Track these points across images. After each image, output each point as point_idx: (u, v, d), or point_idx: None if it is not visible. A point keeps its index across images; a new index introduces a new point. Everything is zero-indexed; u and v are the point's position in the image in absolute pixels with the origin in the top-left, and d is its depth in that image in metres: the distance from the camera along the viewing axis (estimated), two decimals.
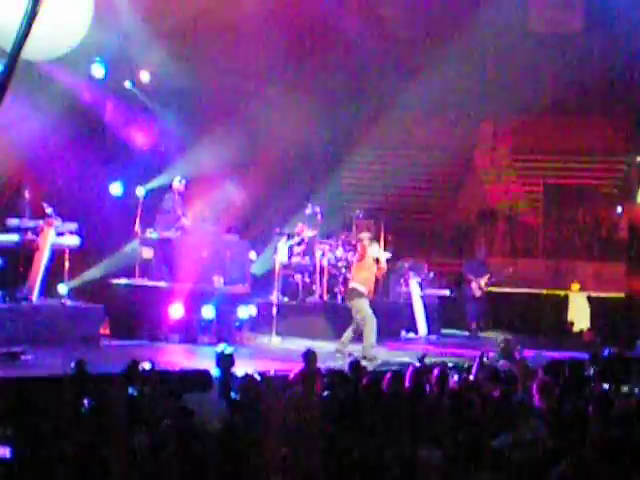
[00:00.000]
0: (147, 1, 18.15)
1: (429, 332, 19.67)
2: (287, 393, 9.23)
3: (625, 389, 10.58)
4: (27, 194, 15.47)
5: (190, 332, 16.08)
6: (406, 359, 14.46)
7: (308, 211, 18.99)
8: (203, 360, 12.36)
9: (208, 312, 16.11)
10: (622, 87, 22.52)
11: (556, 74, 22.52)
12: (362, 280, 15.43)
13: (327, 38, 22.11)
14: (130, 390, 9.19)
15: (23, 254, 15.00)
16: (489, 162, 24.75)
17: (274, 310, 17.10)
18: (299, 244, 18.69)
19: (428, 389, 9.85)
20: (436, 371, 10.78)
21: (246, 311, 17.15)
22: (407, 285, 19.88)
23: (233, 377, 10.34)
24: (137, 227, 17.42)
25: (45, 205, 15.05)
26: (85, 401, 8.55)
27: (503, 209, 24.12)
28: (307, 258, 18.75)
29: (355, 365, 11.47)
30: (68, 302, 15.49)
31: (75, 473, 6.40)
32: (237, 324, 16.90)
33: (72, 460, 6.45)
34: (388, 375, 10.63)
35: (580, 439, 8.12)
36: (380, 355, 15.15)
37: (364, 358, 14.15)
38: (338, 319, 17.85)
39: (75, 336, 14.77)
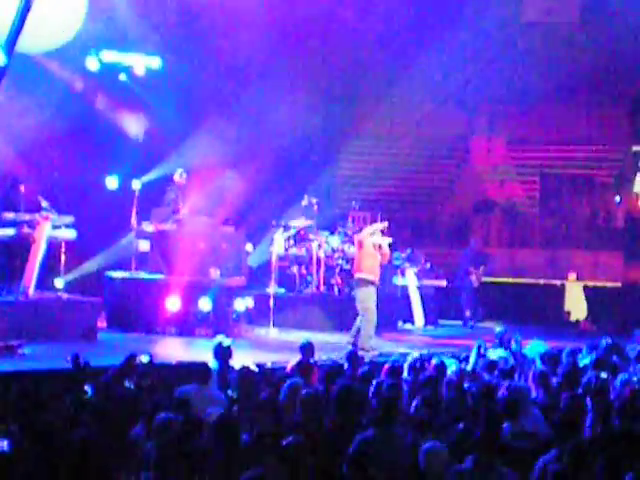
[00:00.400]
0: None
1: (426, 322, 19.71)
2: (287, 384, 9.24)
3: (623, 378, 10.57)
4: (23, 188, 15.43)
5: (187, 324, 16.06)
6: (403, 350, 14.47)
7: (304, 203, 18.97)
8: (200, 352, 12.35)
9: (205, 304, 16.09)
10: (618, 77, 22.54)
11: (552, 64, 22.51)
12: (367, 268, 15.19)
13: (323, 30, 22.10)
14: (128, 383, 9.20)
15: (19, 248, 14.95)
16: (485, 153, 24.77)
17: (271, 302, 17.10)
18: (295, 236, 18.68)
19: (426, 380, 9.84)
20: (434, 362, 10.81)
21: (243, 303, 17.14)
22: (404, 276, 19.90)
23: (231, 369, 10.36)
24: (133, 220, 17.40)
25: (41, 199, 15.02)
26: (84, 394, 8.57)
27: (499, 199, 24.14)
28: (303, 249, 18.74)
29: (352, 356, 11.48)
30: (65, 295, 15.47)
31: (74, 466, 6.40)
32: (234, 316, 16.89)
33: (72, 452, 6.44)
34: (386, 366, 10.68)
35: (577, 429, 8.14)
36: (378, 346, 15.12)
37: (362, 349, 14.13)
38: (335, 310, 17.89)
39: (72, 329, 14.75)
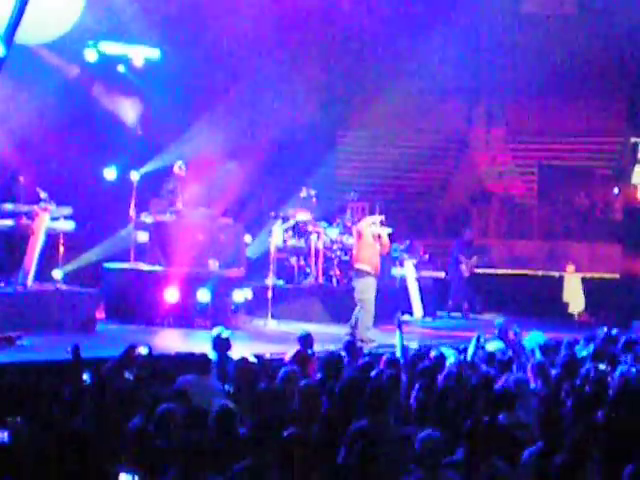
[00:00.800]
0: None
1: (424, 314, 19.71)
2: (283, 372, 9.25)
3: (622, 369, 10.59)
4: (22, 179, 15.42)
5: (186, 316, 16.06)
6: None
7: (303, 194, 18.98)
8: (199, 344, 12.36)
9: (203, 296, 16.09)
10: (616, 68, 22.53)
11: (550, 56, 22.48)
12: (365, 259, 15.22)
13: (322, 22, 22.08)
14: (127, 374, 9.21)
15: (18, 239, 14.95)
16: (484, 144, 24.77)
17: (269, 293, 17.10)
18: (294, 227, 18.68)
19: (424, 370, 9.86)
20: (433, 353, 10.83)
21: (242, 294, 17.12)
22: (402, 267, 19.90)
23: (230, 360, 10.37)
24: (132, 211, 17.39)
25: (40, 190, 15.01)
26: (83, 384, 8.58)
27: (498, 191, 24.14)
28: (302, 241, 18.73)
29: (350, 346, 11.49)
30: (63, 287, 15.47)
31: (73, 457, 6.41)
32: (233, 308, 16.88)
33: (71, 444, 6.45)
34: (384, 357, 10.69)
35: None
36: (376, 337, 15.12)
37: (360, 341, 14.13)
38: (333, 302, 17.90)
39: (70, 321, 14.76)
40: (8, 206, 14.83)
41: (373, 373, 9.59)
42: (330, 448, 7.56)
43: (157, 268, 16.66)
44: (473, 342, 11.61)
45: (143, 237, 17.38)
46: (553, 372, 10.45)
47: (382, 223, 15.69)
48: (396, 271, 19.81)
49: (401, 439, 7.84)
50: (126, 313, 16.11)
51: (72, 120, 17.64)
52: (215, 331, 10.94)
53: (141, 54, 18.68)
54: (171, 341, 14.43)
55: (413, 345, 11.58)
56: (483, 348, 11.64)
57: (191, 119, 19.60)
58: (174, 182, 17.66)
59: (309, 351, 11.12)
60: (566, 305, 21.42)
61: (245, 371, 9.77)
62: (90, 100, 18.58)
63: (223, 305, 16.47)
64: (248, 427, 7.63)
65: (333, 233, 18.87)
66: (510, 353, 11.49)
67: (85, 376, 9.17)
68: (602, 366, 10.83)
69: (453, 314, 20.19)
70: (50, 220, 15.08)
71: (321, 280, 18.71)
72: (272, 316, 16.94)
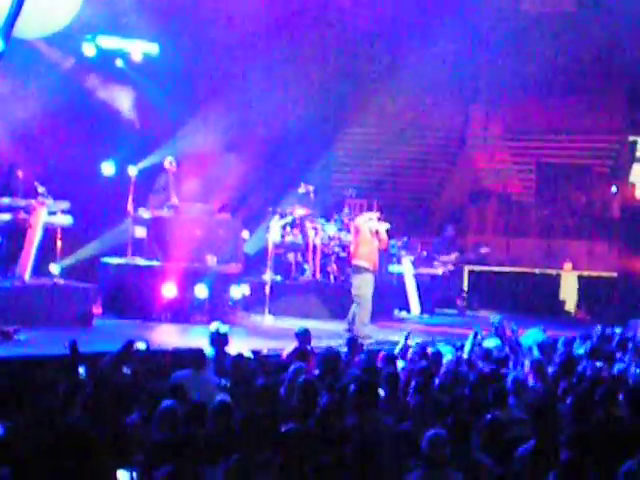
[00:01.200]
0: None
1: (422, 311, 19.73)
2: (291, 368, 9.25)
3: (619, 367, 10.61)
4: (20, 173, 15.40)
5: (183, 311, 16.05)
6: (396, 338, 14.47)
7: (301, 190, 18.97)
8: (196, 339, 12.34)
9: (201, 291, 16.09)
10: (615, 67, 22.53)
11: (549, 54, 22.48)
12: (364, 255, 15.18)
13: (320, 18, 22.06)
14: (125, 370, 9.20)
15: (15, 233, 14.92)
16: (481, 142, 24.76)
17: (267, 289, 17.10)
18: (292, 223, 18.67)
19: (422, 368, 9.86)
20: (430, 350, 10.85)
21: (239, 290, 17.13)
22: (400, 264, 19.91)
23: (227, 356, 10.36)
24: (129, 206, 17.37)
25: (37, 184, 14.99)
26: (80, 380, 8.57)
27: (496, 189, 24.14)
28: (300, 237, 18.73)
29: (352, 342, 11.50)
30: (60, 281, 15.44)
31: (70, 452, 6.39)
32: (230, 303, 16.89)
33: (67, 438, 6.43)
34: (381, 354, 10.70)
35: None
36: (372, 333, 15.12)
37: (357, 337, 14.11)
38: (331, 298, 17.90)
39: (67, 315, 14.75)
40: (5, 200, 14.80)
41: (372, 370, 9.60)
42: (328, 443, 7.56)
43: (155, 263, 16.65)
44: (470, 339, 11.63)
45: (141, 232, 17.37)
46: (550, 370, 10.46)
47: (379, 219, 15.67)
48: (393, 268, 19.82)
49: (398, 435, 7.84)
50: (123, 308, 16.10)
51: (70, 115, 17.61)
52: (213, 326, 10.93)
53: (139, 49, 18.66)
54: (168, 336, 14.41)
55: (411, 342, 11.54)
56: (480, 345, 11.65)
57: (189, 114, 19.59)
58: (165, 178, 17.69)
59: (308, 347, 11.13)
60: (563, 303, 21.45)
61: (241, 367, 9.76)
62: (89, 95, 18.56)
63: (220, 301, 16.47)
64: (244, 422, 7.62)
65: (331, 229, 18.87)
66: (507, 350, 11.50)
67: (81, 370, 9.15)
68: (599, 364, 10.85)
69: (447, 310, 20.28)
70: (47, 214, 15.06)
71: (318, 276, 18.73)
72: (269, 312, 16.94)
